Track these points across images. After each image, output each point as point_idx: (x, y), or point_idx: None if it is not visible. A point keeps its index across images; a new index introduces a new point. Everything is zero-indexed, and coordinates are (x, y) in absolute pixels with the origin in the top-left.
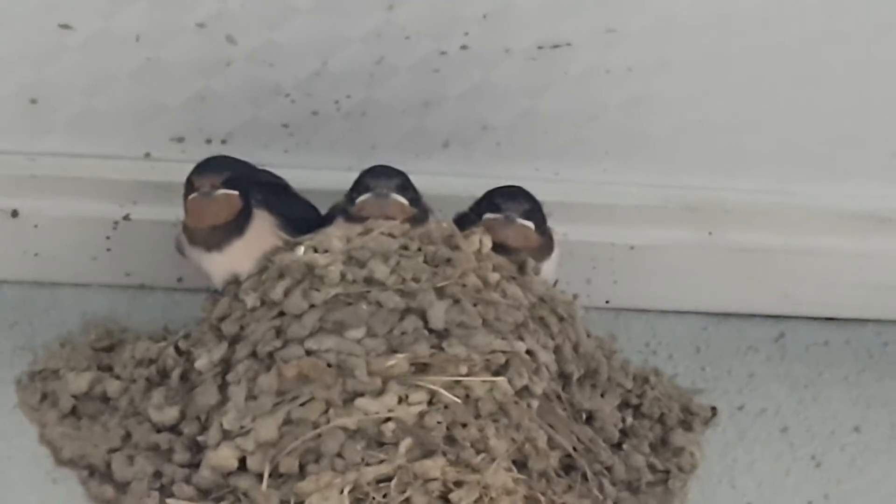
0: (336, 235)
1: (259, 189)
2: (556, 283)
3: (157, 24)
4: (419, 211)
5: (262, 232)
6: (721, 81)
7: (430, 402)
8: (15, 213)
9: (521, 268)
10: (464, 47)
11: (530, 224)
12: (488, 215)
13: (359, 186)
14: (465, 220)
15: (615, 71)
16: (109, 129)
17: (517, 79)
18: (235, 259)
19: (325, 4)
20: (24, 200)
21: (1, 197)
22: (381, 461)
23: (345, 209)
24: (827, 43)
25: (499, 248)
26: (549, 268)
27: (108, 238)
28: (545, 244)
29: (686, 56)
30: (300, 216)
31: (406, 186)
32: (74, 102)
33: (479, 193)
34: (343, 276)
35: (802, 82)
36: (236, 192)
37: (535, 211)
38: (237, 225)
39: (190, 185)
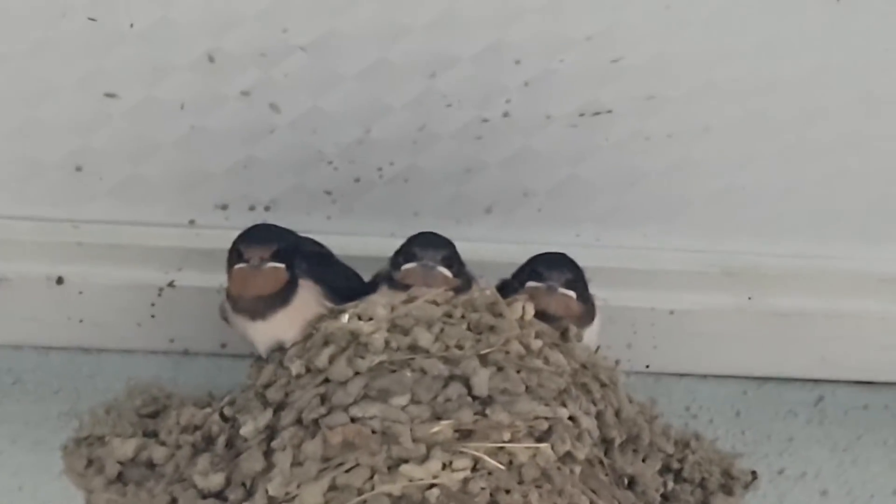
0: (380, 303)
1: (304, 258)
2: (598, 349)
3: (202, 92)
4: (463, 281)
5: (307, 301)
6: (759, 147)
7: (473, 469)
8: (60, 280)
9: (564, 335)
10: (505, 114)
11: (572, 293)
12: (531, 283)
13: (406, 253)
14: (507, 288)
15: (655, 137)
16: (154, 197)
17: (558, 145)
18: (280, 328)
19: (368, 73)
20: (70, 267)
21: (46, 264)
22: None
23: (389, 276)
24: (866, 108)
25: (541, 316)
26: (590, 335)
27: (152, 305)
28: (587, 312)
29: (725, 122)
30: (344, 285)
31: (452, 258)
32: (119, 170)
33: (521, 259)
34: (387, 344)
35: (841, 147)
36: (283, 266)
37: (577, 280)
38: (282, 295)
39: (237, 254)
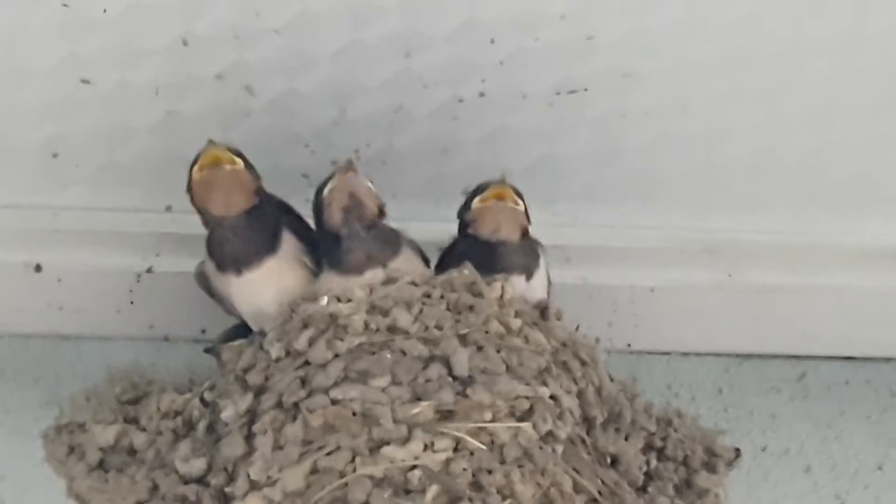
0: (359, 285)
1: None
2: (577, 327)
3: (176, 76)
4: None
5: (292, 253)
6: (737, 122)
7: (455, 449)
8: (38, 268)
9: (543, 313)
10: (481, 94)
11: None
12: None
13: None
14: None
15: (631, 114)
16: (131, 182)
17: (534, 124)
18: (265, 280)
19: (343, 53)
20: (47, 254)
21: (24, 251)
22: None
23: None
24: (843, 82)
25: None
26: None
27: (131, 291)
28: None
29: (702, 98)
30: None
31: None
32: (95, 156)
33: None
34: (367, 325)
35: (818, 121)
36: (244, 167)
37: None
38: (269, 242)
39: (194, 162)
